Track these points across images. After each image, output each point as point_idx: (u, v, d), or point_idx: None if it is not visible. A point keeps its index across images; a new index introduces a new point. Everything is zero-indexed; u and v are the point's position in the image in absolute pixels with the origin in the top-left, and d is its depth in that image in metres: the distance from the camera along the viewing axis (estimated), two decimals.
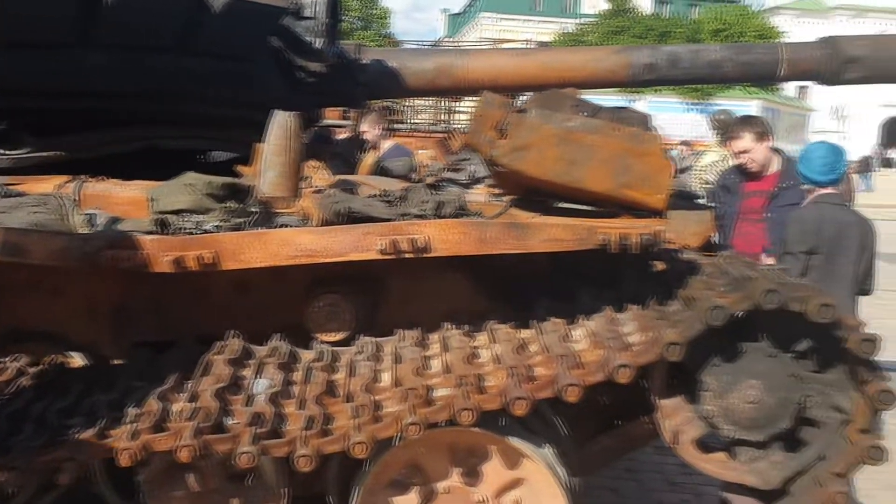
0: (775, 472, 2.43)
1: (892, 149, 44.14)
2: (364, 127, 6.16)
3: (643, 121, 2.76)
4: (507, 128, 2.36)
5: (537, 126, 2.35)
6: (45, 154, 2.99)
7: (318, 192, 2.72)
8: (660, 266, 2.92)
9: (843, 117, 50.90)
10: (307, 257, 2.33)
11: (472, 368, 2.35)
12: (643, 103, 34.30)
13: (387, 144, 6.15)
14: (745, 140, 4.41)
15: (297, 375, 2.41)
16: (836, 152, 3.90)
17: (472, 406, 2.25)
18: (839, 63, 3.97)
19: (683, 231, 3.05)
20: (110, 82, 2.97)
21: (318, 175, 3.10)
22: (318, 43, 3.35)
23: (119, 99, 3.03)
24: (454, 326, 2.59)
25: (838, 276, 3.83)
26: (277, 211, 2.57)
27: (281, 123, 2.66)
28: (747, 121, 4.58)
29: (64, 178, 2.74)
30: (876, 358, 2.31)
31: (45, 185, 2.67)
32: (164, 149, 3.15)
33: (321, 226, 2.40)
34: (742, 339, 2.44)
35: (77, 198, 2.59)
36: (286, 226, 2.43)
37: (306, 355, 2.51)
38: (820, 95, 46.12)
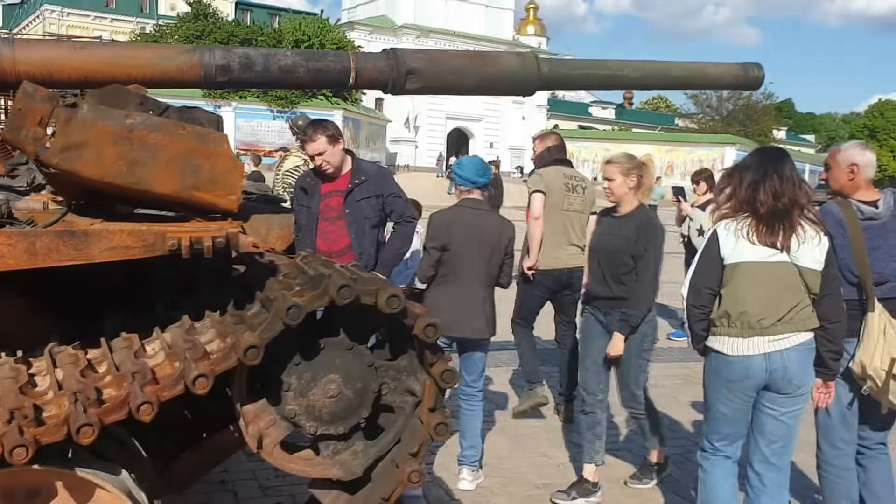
0: (357, 461, 2.53)
1: (456, 157, 49.89)
2: None
3: (215, 121, 2.68)
4: (55, 124, 2.10)
5: (92, 122, 2.14)
6: None
7: None
8: (240, 270, 2.87)
9: (415, 127, 56.32)
10: None
11: (26, 399, 2.05)
12: (229, 110, 34.14)
13: None
14: (320, 143, 4.59)
15: None
16: (485, 163, 4.84)
17: (28, 442, 1.97)
18: (401, 73, 4.29)
19: (268, 234, 3.04)
20: None
21: None
22: None
23: None
24: (4, 354, 2.25)
25: (466, 271, 4.47)
26: None
27: None
28: (319, 124, 4.76)
29: None
30: None
31: None
32: None
33: None
34: (321, 335, 2.49)
35: None
36: None
37: None
38: (394, 107, 50.47)
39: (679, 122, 69.40)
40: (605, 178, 4.61)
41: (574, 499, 4.32)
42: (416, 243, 5.78)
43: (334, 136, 4.64)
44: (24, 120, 2.11)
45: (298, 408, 2.43)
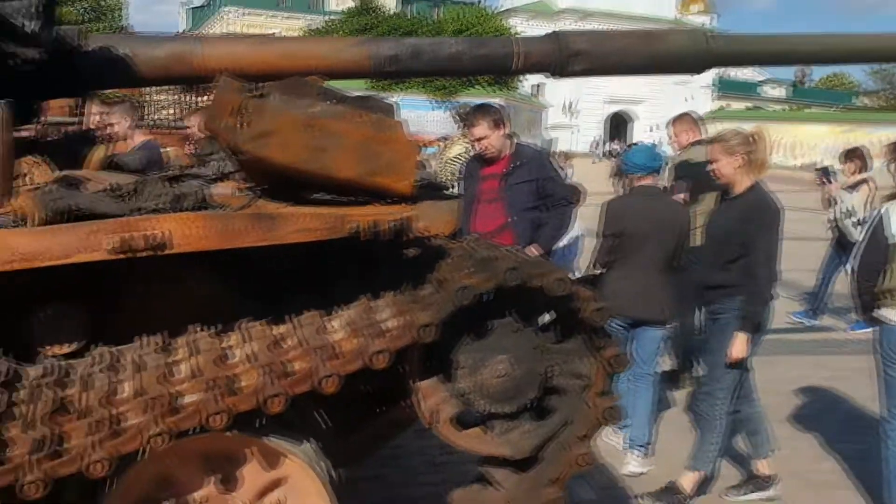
0: (526, 441, 2.56)
1: (615, 142, 48.85)
2: (112, 119, 5.71)
3: (387, 109, 2.77)
4: (247, 113, 2.25)
5: (279, 111, 2.27)
6: None
7: (37, 189, 2.43)
8: (412, 252, 2.96)
9: (574, 112, 55.54)
10: (24, 261, 2.07)
11: (223, 370, 2.23)
12: (393, 101, 35.06)
13: (138, 139, 5.75)
14: (483, 128, 4.66)
15: (22, 394, 2.14)
16: (655, 149, 5.03)
17: (225, 409, 2.13)
18: (566, 56, 4.26)
19: (434, 220, 3.12)
20: None
21: (38, 171, 2.79)
22: (31, 26, 3.00)
23: None
24: (202, 328, 2.44)
25: (642, 255, 4.45)
26: None
27: None
28: (483, 109, 4.83)
29: None
30: None
31: None
32: None
33: (40, 226, 2.14)
34: (491, 316, 2.54)
35: None
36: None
37: (32, 372, 2.24)
38: (553, 93, 49.99)
39: (859, 101, 64.31)
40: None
41: (746, 494, 4.16)
42: (578, 229, 5.75)
43: (497, 121, 4.70)
44: (220, 110, 2.27)
45: (469, 386, 2.49)
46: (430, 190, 3.48)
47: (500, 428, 2.59)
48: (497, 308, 2.54)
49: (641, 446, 4.48)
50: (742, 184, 4.02)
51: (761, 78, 70.51)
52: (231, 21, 50.16)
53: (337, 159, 2.31)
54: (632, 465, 4.44)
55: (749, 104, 64.00)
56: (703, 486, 4.13)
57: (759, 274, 3.87)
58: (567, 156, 16.68)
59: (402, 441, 4.04)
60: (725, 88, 64.83)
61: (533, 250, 4.50)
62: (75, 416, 2.11)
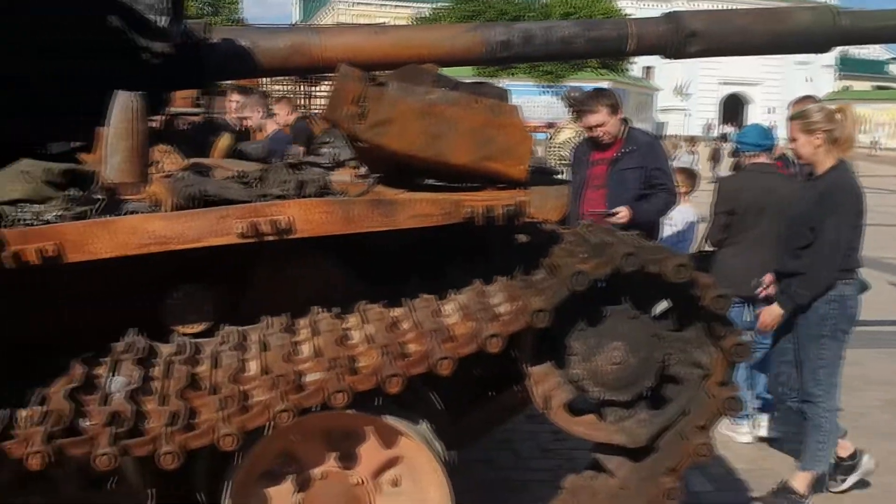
0: (642, 430, 2.52)
1: (729, 125, 47.12)
2: (246, 111, 5.99)
3: (501, 94, 2.78)
4: (366, 102, 2.30)
5: (398, 100, 2.31)
6: None
7: (169, 176, 2.57)
8: (524, 237, 2.97)
9: (685, 95, 53.90)
10: (159, 245, 2.19)
11: (343, 350, 2.30)
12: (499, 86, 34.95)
13: (270, 128, 6.00)
14: (601, 114, 4.58)
15: (157, 370, 2.28)
16: (767, 128, 4.89)
17: (346, 388, 2.20)
18: (682, 37, 4.14)
19: (544, 205, 3.11)
20: None
21: (169, 159, 2.95)
22: (162, 21, 3.16)
23: None
24: (323, 310, 2.52)
25: (756, 233, 4.39)
26: (124, 198, 2.40)
27: (124, 105, 2.49)
28: (600, 94, 4.75)
29: None
30: None
31: None
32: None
33: (173, 211, 2.26)
34: (605, 302, 2.51)
35: None
36: (135, 212, 2.28)
37: (166, 349, 2.38)
38: (664, 75, 48.63)
39: None
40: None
41: (845, 481, 3.99)
42: (691, 215, 5.62)
43: (614, 107, 4.62)
44: (341, 99, 2.33)
45: (583, 372, 2.48)
46: (540, 175, 3.48)
47: (614, 416, 2.56)
48: (612, 294, 2.51)
49: (753, 416, 4.50)
50: (823, 164, 3.76)
51: (888, 56, 66.15)
52: (342, 11, 51.18)
53: (452, 145, 2.34)
54: (744, 434, 4.52)
55: (875, 84, 60.29)
56: (817, 485, 3.95)
57: (817, 258, 3.66)
58: (693, 140, 16.16)
59: (514, 425, 4.07)
60: (849, 68, 61.19)
61: (623, 210, 4.42)
62: (206, 391, 2.23)
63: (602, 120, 4.61)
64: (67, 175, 2.28)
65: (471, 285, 2.52)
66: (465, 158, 2.34)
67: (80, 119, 3.01)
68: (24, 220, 2.13)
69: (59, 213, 2.16)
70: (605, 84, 36.24)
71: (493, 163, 2.36)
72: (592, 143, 4.80)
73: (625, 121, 4.80)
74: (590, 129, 4.74)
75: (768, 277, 4.01)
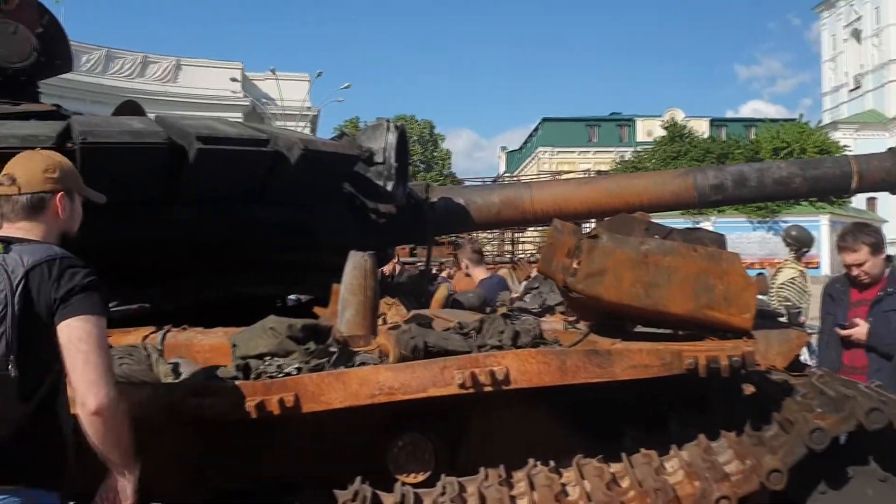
0: None
1: None
2: (464, 263, 6.27)
3: (718, 240, 2.73)
4: (580, 254, 2.35)
5: (611, 251, 2.34)
6: (130, 307, 3.09)
7: (394, 328, 2.72)
8: (749, 388, 2.80)
9: None
10: (386, 395, 2.30)
11: None
12: (708, 224, 34.10)
13: (478, 275, 6.22)
14: (861, 253, 4.19)
15: None
16: None
17: None
18: None
19: (768, 352, 2.95)
20: (193, 234, 3.08)
21: (393, 311, 3.12)
22: (388, 185, 3.46)
23: (201, 250, 3.14)
24: (539, 463, 2.49)
25: None
26: (355, 349, 2.57)
27: (357, 264, 2.71)
28: (861, 231, 4.35)
29: (148, 329, 2.82)
30: None
31: (132, 336, 2.75)
32: (244, 295, 3.22)
33: (398, 362, 2.39)
34: (848, 462, 2.29)
35: (161, 348, 2.65)
36: (364, 364, 2.42)
37: (388, 499, 2.44)
38: (890, 205, 45.24)
39: None
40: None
41: None
42: None
43: (877, 245, 4.22)
44: (555, 252, 2.40)
45: None
46: (763, 319, 3.31)
47: None
48: (856, 453, 2.29)
49: None
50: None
51: None
52: (545, 160, 52.99)
53: (670, 294, 2.31)
54: None
55: None
56: None
57: None
58: None
59: None
60: None
61: (861, 325, 4.00)
62: None
63: (862, 259, 4.21)
64: (307, 330, 2.48)
65: (693, 441, 2.40)
66: (683, 308, 2.30)
67: (317, 276, 3.31)
68: (269, 372, 2.34)
69: (299, 366, 2.35)
70: (823, 217, 34.34)
71: (714, 312, 2.29)
72: (849, 282, 4.40)
73: (889, 258, 4.41)
74: (848, 267, 4.39)
75: None
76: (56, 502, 1.87)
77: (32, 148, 2.70)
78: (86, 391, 1.81)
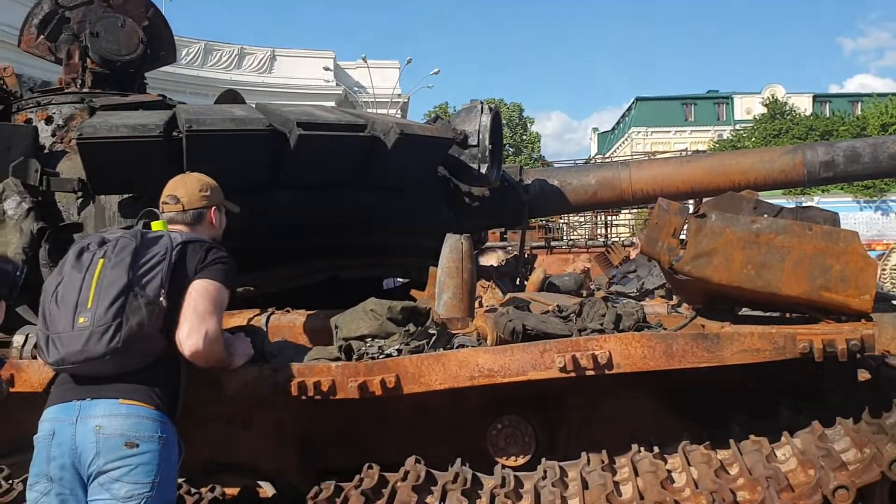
0: None
1: None
2: None
3: (832, 219, 2.60)
4: (687, 234, 2.27)
5: (720, 230, 2.25)
6: (237, 290, 3.18)
7: (491, 310, 2.70)
8: (864, 374, 2.66)
9: None
10: (486, 377, 2.29)
11: (667, 494, 2.18)
12: (811, 204, 32.73)
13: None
14: None
15: (481, 502, 2.33)
16: None
17: None
18: None
19: (883, 335, 2.79)
20: (295, 219, 3.14)
21: (490, 294, 3.11)
22: (483, 168, 3.43)
23: (303, 234, 3.20)
24: (643, 448, 2.43)
25: None
26: (454, 332, 2.57)
27: (453, 246, 2.71)
28: None
29: (253, 311, 2.89)
30: None
31: (237, 318, 2.82)
32: (344, 278, 3.27)
33: (497, 345, 2.37)
34: None
35: (266, 330, 2.71)
36: (463, 346, 2.42)
37: (489, 482, 2.43)
38: None
39: None
40: None
41: None
42: None
43: None
44: (660, 232, 2.32)
45: None
46: (877, 302, 3.14)
47: None
48: None
49: None
50: None
51: None
52: (638, 141, 51.79)
53: (783, 275, 2.20)
54: None
55: None
56: None
57: None
58: None
59: None
60: None
61: None
62: None
63: None
64: (406, 312, 2.49)
65: (806, 428, 2.29)
66: (797, 289, 2.19)
67: (413, 259, 3.32)
68: (371, 353, 2.36)
69: (399, 348, 2.37)
70: None
71: (830, 293, 2.18)
72: None
73: None
74: None
75: None
76: (171, 426, 2.18)
77: (142, 136, 2.82)
78: (185, 336, 2.17)
